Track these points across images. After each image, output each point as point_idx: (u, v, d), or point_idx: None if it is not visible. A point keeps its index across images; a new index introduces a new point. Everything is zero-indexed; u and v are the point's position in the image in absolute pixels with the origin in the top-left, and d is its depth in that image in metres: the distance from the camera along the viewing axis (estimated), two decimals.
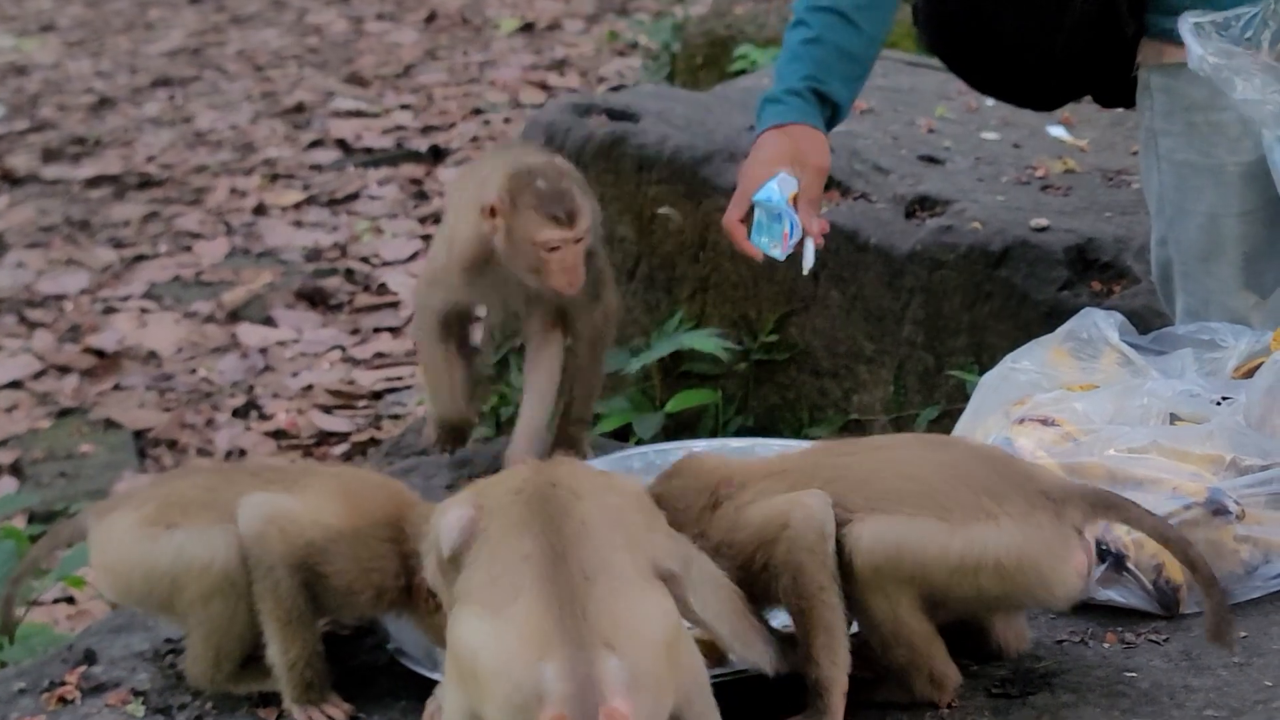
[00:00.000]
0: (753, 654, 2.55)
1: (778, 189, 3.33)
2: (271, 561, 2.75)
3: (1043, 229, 4.13)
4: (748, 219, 3.38)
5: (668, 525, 2.47)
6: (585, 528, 2.28)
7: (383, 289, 6.56)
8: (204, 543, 2.78)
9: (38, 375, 6.07)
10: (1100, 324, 3.18)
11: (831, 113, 3.39)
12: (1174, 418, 3.03)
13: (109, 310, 6.58)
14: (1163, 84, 3.42)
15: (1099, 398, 2.96)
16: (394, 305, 6.42)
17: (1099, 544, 2.77)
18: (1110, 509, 2.53)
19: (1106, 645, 2.75)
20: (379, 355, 5.95)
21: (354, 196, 7.68)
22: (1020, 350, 3.21)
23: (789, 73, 3.39)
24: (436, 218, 7.24)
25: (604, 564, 2.24)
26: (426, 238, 7.10)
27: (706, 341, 4.12)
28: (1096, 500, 2.53)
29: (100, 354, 6.16)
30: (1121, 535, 2.78)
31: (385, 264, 6.84)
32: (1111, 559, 2.78)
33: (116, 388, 5.90)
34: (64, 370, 6.08)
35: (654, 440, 4.31)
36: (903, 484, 2.54)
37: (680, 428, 4.38)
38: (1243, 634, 2.71)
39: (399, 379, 5.74)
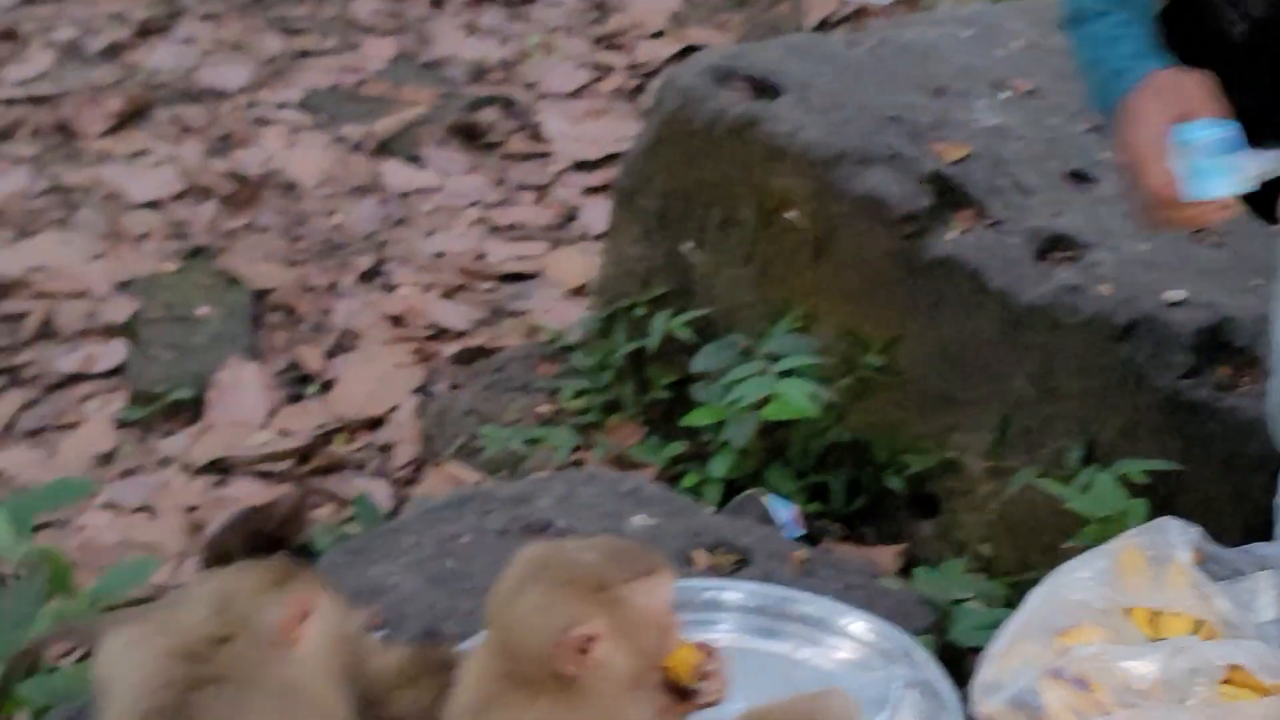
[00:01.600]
0: None
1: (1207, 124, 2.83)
2: None
3: (1176, 303, 3.82)
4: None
5: None
6: None
7: (536, 134, 6.35)
8: None
9: (178, 196, 6.01)
10: (1173, 539, 2.94)
11: None
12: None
13: (261, 121, 6.47)
14: None
15: (1145, 656, 2.74)
16: (544, 156, 6.22)
17: None
18: None
19: None
20: (514, 227, 5.79)
21: None
22: (1083, 559, 2.98)
23: (1122, 48, 3.02)
24: (613, 42, 6.97)
25: None
26: (598, 67, 6.85)
27: (797, 392, 3.91)
28: None
29: (243, 179, 6.07)
30: None
31: (544, 96, 6.61)
32: None
33: (248, 227, 5.83)
34: (205, 193, 6.02)
35: (744, 447, 4.17)
36: None
37: (775, 433, 4.22)
38: None
39: (529, 261, 5.60)
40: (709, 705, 2.44)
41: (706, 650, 2.45)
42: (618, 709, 2.29)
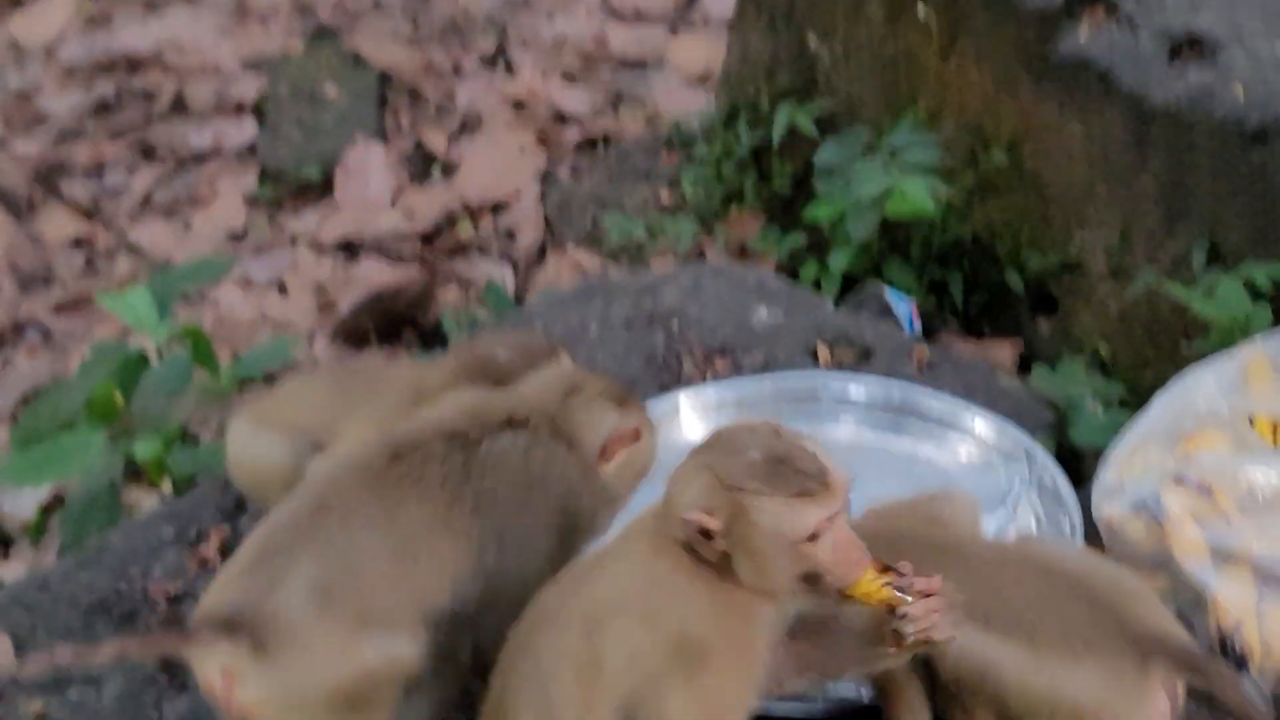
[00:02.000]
0: None
1: None
2: None
3: None
4: None
5: None
6: None
7: None
8: (281, 448, 2.88)
9: None
10: None
11: None
12: None
13: None
14: None
15: (1268, 464, 2.80)
16: None
17: (1224, 641, 2.71)
18: (1197, 673, 2.45)
19: None
20: (635, 12, 5.78)
21: None
22: (1208, 364, 3.02)
23: None
24: None
25: None
26: None
27: (918, 189, 3.93)
28: (1185, 661, 2.45)
29: None
30: (1249, 638, 2.69)
31: None
32: (1234, 659, 2.71)
33: (374, 7, 5.86)
34: None
35: (864, 241, 4.21)
36: (998, 604, 2.49)
37: (895, 229, 4.25)
38: None
39: (649, 47, 5.60)
40: (919, 647, 2.34)
41: (906, 587, 2.32)
42: (738, 611, 2.29)
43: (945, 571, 2.52)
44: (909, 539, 2.62)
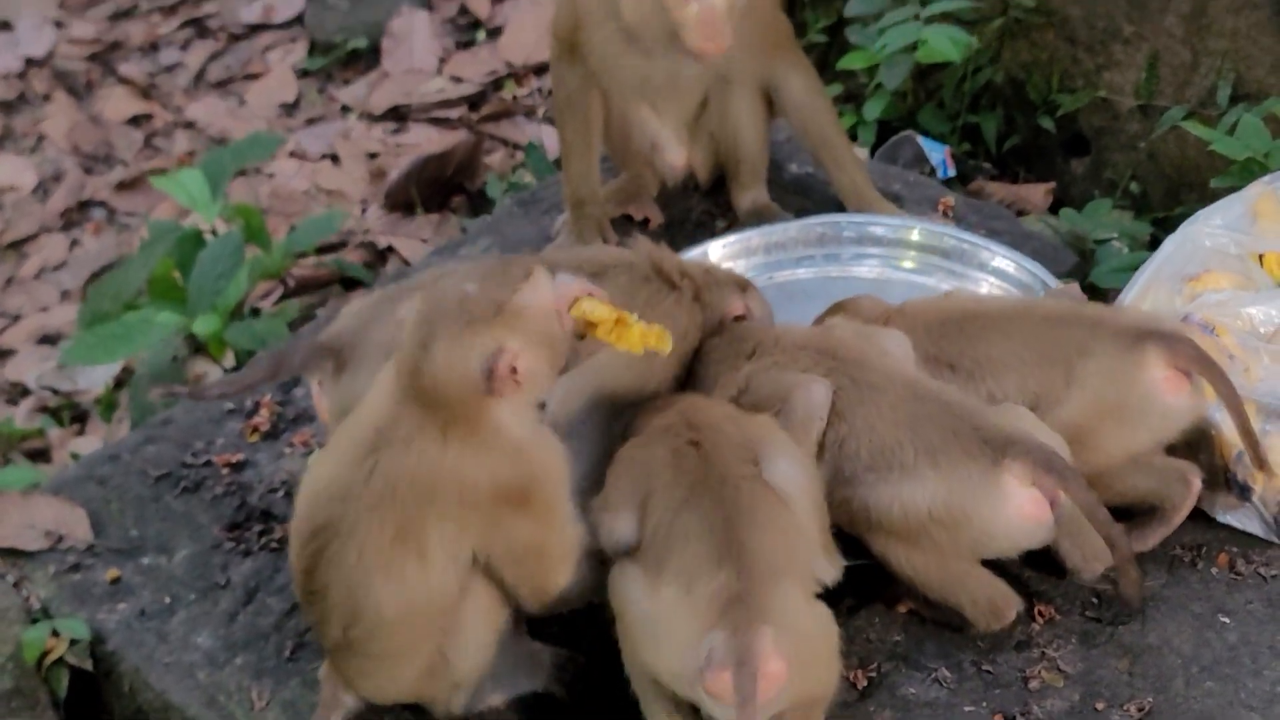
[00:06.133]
0: None
1: None
2: None
3: None
4: None
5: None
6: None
7: None
8: None
9: None
10: None
11: None
12: None
13: None
14: None
15: (1269, 303, 2.89)
16: None
17: (1227, 473, 2.82)
18: (1053, 473, 2.56)
19: (1215, 570, 2.81)
20: None
21: None
22: (1217, 205, 3.10)
23: None
24: None
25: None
26: None
27: (942, 37, 3.97)
28: (1041, 461, 2.56)
29: None
30: (1250, 467, 2.80)
31: None
32: (1237, 489, 2.82)
33: None
34: None
35: (898, 89, 4.27)
36: (872, 444, 2.65)
37: (929, 76, 4.32)
38: None
39: None
40: None
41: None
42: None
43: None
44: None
